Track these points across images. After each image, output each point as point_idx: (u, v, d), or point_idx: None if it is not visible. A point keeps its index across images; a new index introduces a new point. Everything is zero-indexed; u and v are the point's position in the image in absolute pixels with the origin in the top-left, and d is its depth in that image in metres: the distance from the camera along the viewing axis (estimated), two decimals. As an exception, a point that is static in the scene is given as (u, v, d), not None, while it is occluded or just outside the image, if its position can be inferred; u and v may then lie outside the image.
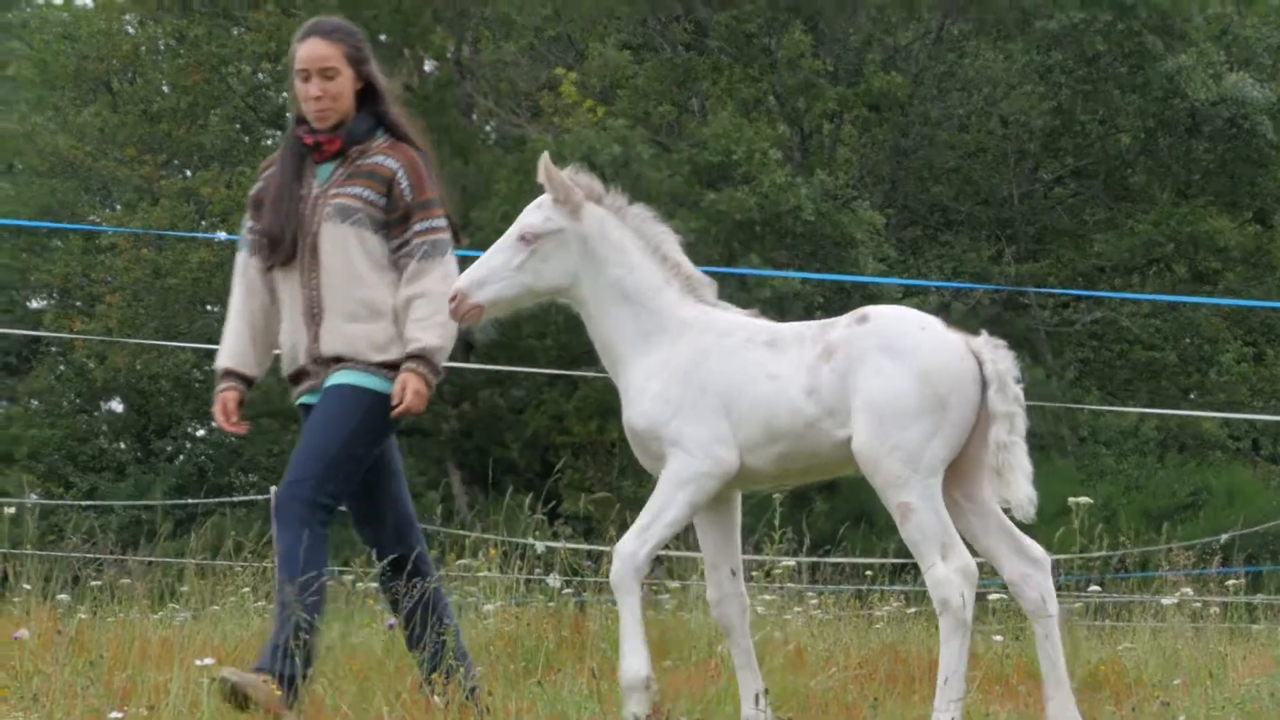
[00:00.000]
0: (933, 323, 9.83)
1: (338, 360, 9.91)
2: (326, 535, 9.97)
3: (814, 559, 20.15)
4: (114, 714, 8.94)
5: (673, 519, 9.73)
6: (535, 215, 9.91)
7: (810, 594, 17.84)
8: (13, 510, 19.15)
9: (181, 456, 46.23)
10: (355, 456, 9.89)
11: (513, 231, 9.93)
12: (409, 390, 9.74)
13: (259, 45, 42.44)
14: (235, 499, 32.85)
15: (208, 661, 10.08)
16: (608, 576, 10.06)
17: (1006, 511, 9.98)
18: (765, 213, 39.14)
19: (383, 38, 40.40)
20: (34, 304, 47.09)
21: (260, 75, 44.69)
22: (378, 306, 9.97)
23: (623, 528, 10.78)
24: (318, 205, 9.96)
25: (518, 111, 41.79)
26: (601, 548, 17.65)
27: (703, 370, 9.77)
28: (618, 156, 37.87)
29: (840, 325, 9.80)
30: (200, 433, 46.37)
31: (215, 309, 41.65)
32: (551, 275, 9.94)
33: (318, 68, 9.86)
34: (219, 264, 40.00)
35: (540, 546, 16.35)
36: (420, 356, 9.79)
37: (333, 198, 9.89)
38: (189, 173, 41.47)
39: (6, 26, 44.51)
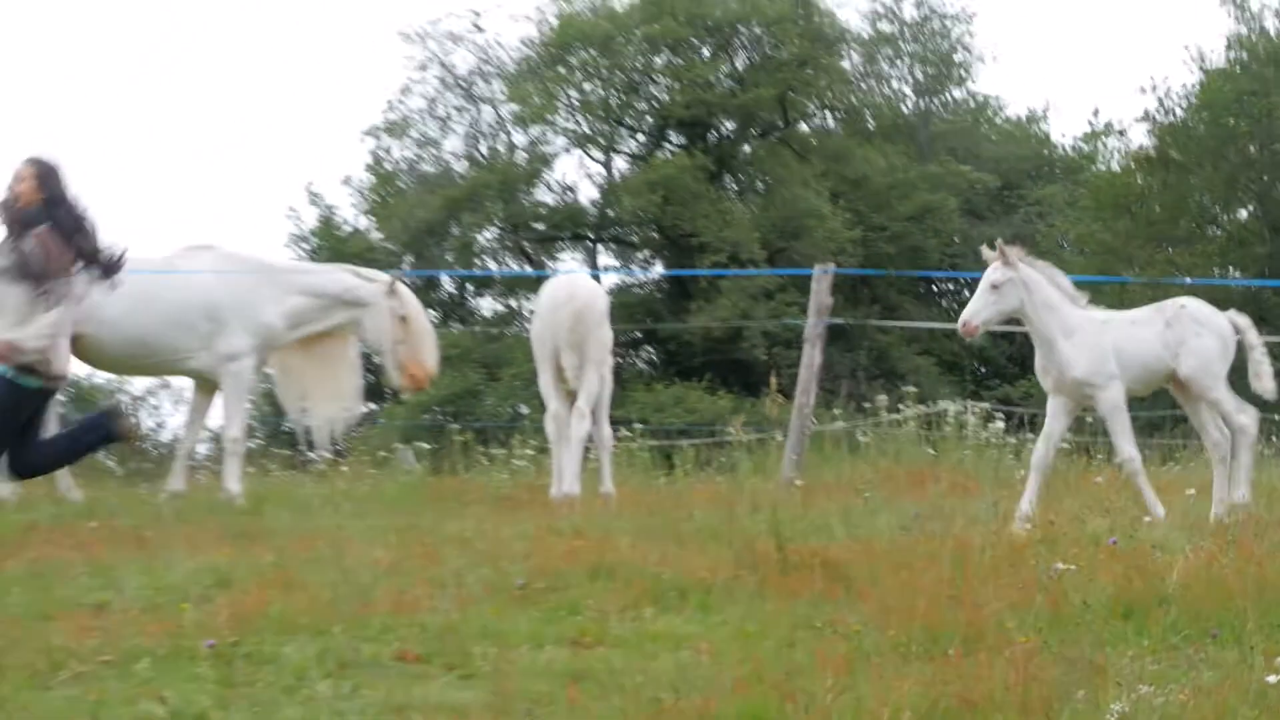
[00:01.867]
0: (1213, 308, 12.72)
1: None
2: None
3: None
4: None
5: (1128, 425, 12.46)
6: (997, 273, 12.17)
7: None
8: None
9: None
10: None
11: (985, 284, 12.19)
12: None
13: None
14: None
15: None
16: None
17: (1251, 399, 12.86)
18: None
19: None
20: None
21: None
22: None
23: None
24: None
25: None
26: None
27: (1105, 341, 12.35)
28: None
29: (1169, 310, 12.64)
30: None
31: None
32: (1009, 304, 12.22)
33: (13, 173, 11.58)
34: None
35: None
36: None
37: None
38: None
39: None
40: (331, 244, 41.54)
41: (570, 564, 10.07)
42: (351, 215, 43.79)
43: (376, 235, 42.37)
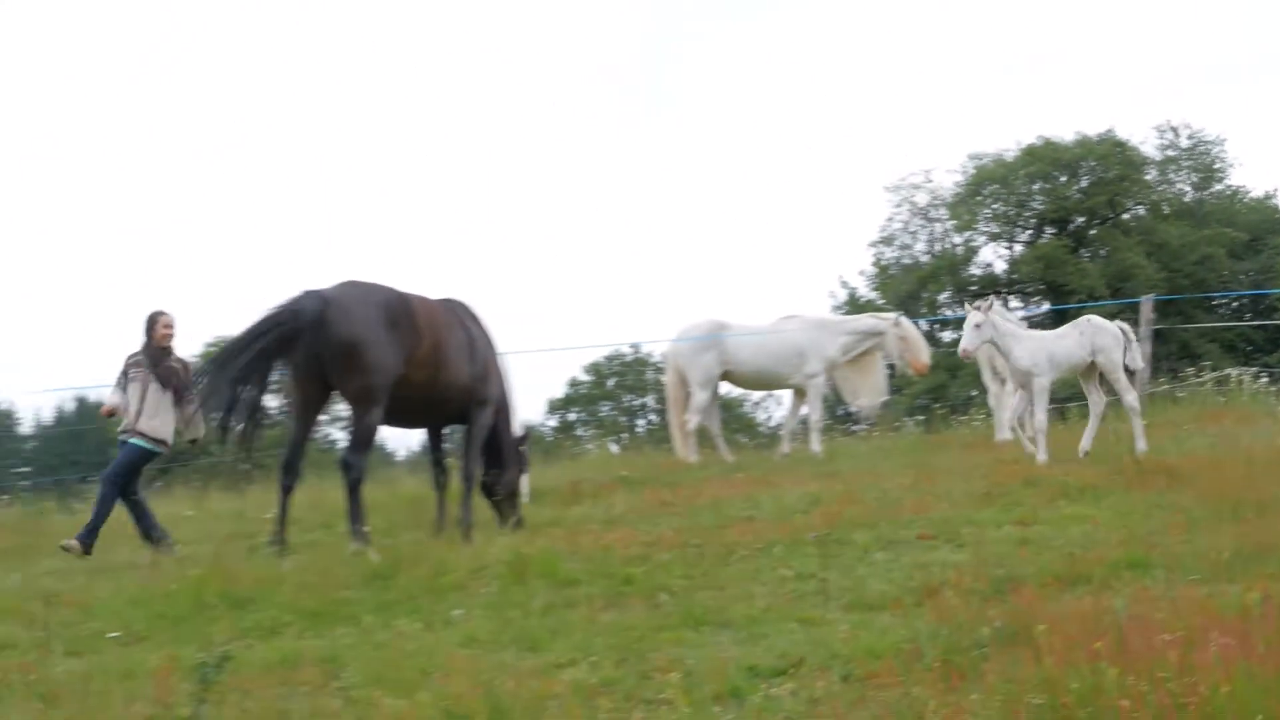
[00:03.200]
0: (1107, 320, 11.14)
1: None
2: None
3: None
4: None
5: (1046, 403, 10.78)
6: (977, 317, 10.61)
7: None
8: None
9: None
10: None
11: (970, 325, 10.62)
12: None
13: None
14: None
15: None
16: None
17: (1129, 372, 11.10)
18: None
19: None
20: None
21: None
22: None
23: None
24: None
25: None
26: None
27: (1044, 349, 10.83)
28: None
29: (1081, 323, 11.04)
30: None
31: None
32: (985, 335, 10.66)
33: None
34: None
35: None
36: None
37: None
38: None
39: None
40: (854, 308, 41.28)
41: (1011, 478, 9.75)
42: (865, 291, 43.19)
43: (880, 301, 41.94)
